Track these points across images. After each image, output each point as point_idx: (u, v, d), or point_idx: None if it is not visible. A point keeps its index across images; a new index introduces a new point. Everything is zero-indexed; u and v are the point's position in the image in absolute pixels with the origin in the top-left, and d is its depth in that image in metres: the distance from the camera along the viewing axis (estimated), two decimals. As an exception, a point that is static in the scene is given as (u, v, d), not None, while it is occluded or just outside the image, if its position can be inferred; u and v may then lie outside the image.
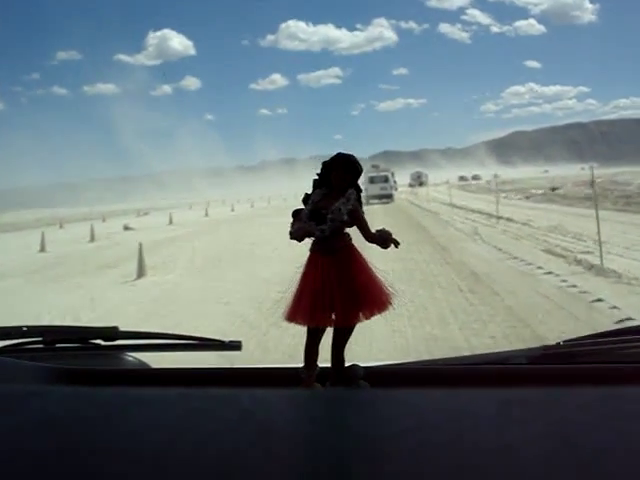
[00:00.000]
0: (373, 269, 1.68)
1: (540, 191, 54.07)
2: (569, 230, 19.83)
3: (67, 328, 2.52)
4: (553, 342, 1.99)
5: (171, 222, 41.05)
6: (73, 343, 2.21)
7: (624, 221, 21.66)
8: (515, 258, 14.71)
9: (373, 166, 64.28)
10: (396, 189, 69.80)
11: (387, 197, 56.11)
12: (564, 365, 1.85)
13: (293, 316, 1.66)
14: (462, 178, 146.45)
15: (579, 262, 13.18)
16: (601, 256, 12.54)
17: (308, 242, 1.74)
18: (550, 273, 12.32)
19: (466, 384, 1.57)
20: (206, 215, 50.17)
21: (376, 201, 53.01)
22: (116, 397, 1.04)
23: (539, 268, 13.00)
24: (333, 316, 1.63)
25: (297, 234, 1.67)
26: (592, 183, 14.49)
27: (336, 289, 1.62)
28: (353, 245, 1.68)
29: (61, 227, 45.15)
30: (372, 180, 56.45)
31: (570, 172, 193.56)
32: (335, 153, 1.68)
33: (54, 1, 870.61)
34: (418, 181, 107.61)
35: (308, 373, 1.67)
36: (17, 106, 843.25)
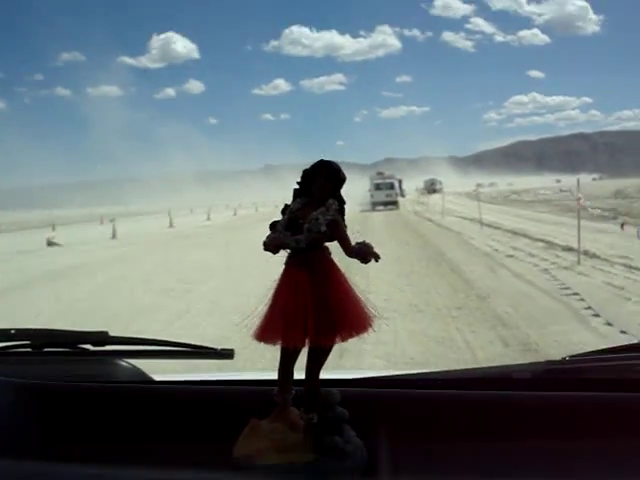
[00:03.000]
0: (353, 287, 1.53)
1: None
2: None
3: (56, 332, 2.22)
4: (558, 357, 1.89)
5: (114, 236, 32.81)
6: (62, 347, 2.13)
7: None
8: None
9: (378, 173, 66.44)
10: (404, 196, 73.87)
11: (392, 204, 57.44)
12: (570, 384, 1.77)
13: (263, 335, 1.50)
14: (479, 185, 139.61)
15: None
16: None
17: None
18: None
19: (464, 417, 1.57)
20: (170, 226, 41.81)
21: (381, 207, 55.77)
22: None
23: None
24: (307, 337, 1.48)
25: (271, 245, 1.52)
26: None
27: (310, 307, 1.47)
28: (331, 260, 1.53)
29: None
30: (378, 187, 59.63)
31: (582, 181, 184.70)
32: (336, 160, 1.55)
33: (58, 2, 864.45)
34: (432, 188, 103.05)
35: (283, 397, 1.54)
36: (20, 106, 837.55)
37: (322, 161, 1.54)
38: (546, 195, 68.59)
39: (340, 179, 1.54)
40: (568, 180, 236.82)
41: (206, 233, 33.69)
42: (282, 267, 1.54)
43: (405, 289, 12.37)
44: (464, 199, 71.80)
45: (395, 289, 12.16)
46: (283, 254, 1.54)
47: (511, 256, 16.79)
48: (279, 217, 1.55)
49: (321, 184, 1.53)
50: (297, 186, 1.58)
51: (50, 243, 29.24)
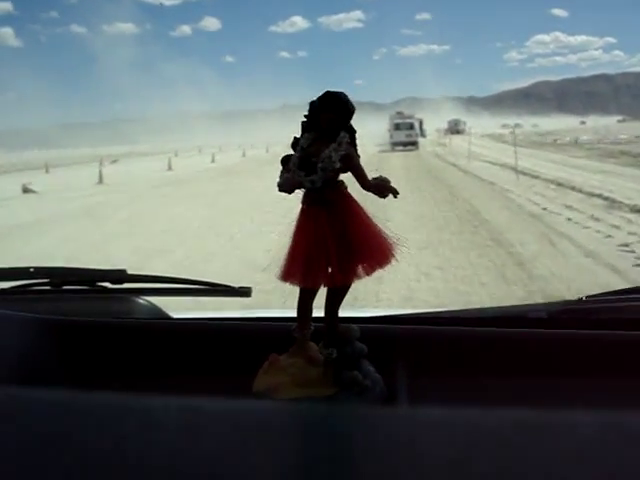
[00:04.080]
0: (373, 219, 1.48)
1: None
2: None
3: (74, 270, 2.32)
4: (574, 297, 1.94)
5: (101, 181, 29.31)
6: (80, 285, 2.20)
7: None
8: None
9: (398, 113, 66.61)
10: (425, 136, 75.83)
11: (412, 144, 55.89)
12: (586, 323, 1.76)
13: (287, 275, 1.45)
14: (505, 126, 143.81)
15: None
16: None
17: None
18: None
19: (480, 353, 1.60)
20: (169, 169, 38.27)
21: (401, 148, 54.35)
22: (105, 400, 0.83)
23: None
24: (330, 274, 1.44)
25: (285, 186, 1.47)
26: None
27: (331, 244, 1.43)
28: (349, 194, 1.47)
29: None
30: (397, 127, 57.64)
31: (607, 123, 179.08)
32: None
33: None
34: (455, 129, 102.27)
35: (301, 333, 1.52)
36: (36, 44, 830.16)
37: (329, 92, 1.44)
38: (577, 137, 64.17)
39: (349, 110, 1.44)
40: (592, 121, 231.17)
41: (204, 178, 30.22)
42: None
43: (433, 274, 8.73)
44: (487, 141, 67.82)
45: (419, 273, 8.62)
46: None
47: (569, 220, 13.00)
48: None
49: (330, 117, 1.43)
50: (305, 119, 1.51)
51: (25, 190, 25.83)
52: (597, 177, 21.61)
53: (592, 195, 16.60)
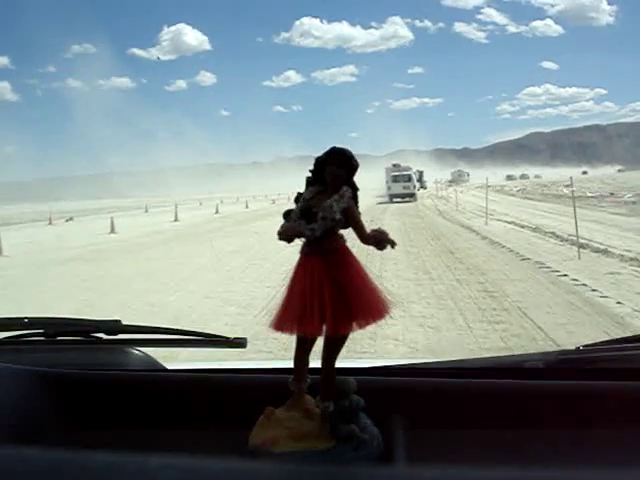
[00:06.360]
0: (369, 274, 1.52)
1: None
2: None
3: (69, 320, 2.24)
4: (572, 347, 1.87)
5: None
6: (75, 336, 2.14)
7: None
8: None
9: (394, 165, 65.52)
10: (425, 188, 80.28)
11: (410, 196, 56.95)
12: (583, 373, 1.75)
13: (280, 324, 1.48)
14: (510, 177, 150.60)
15: None
16: None
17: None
18: None
19: (478, 405, 1.58)
20: (111, 232, 31.43)
21: (399, 200, 55.02)
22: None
23: None
24: (324, 325, 1.45)
25: (286, 234, 1.51)
26: None
27: (327, 295, 1.45)
28: (347, 247, 1.52)
29: None
30: (395, 179, 58.87)
31: (607, 173, 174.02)
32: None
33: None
34: (460, 179, 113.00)
35: (298, 386, 1.53)
36: (32, 98, 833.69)
37: (334, 148, 1.50)
38: (590, 189, 57.31)
39: (353, 166, 1.51)
40: (591, 171, 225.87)
41: (150, 246, 23.37)
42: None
43: None
44: (492, 193, 60.95)
45: None
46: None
47: None
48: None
49: (334, 171, 1.49)
50: (309, 174, 1.54)
51: None
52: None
53: None
